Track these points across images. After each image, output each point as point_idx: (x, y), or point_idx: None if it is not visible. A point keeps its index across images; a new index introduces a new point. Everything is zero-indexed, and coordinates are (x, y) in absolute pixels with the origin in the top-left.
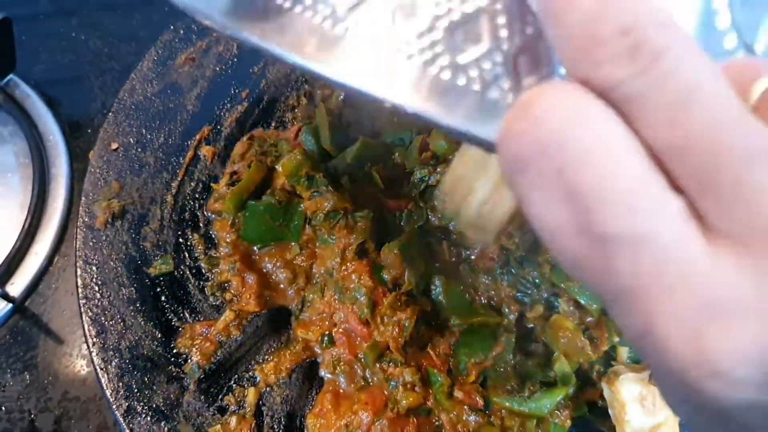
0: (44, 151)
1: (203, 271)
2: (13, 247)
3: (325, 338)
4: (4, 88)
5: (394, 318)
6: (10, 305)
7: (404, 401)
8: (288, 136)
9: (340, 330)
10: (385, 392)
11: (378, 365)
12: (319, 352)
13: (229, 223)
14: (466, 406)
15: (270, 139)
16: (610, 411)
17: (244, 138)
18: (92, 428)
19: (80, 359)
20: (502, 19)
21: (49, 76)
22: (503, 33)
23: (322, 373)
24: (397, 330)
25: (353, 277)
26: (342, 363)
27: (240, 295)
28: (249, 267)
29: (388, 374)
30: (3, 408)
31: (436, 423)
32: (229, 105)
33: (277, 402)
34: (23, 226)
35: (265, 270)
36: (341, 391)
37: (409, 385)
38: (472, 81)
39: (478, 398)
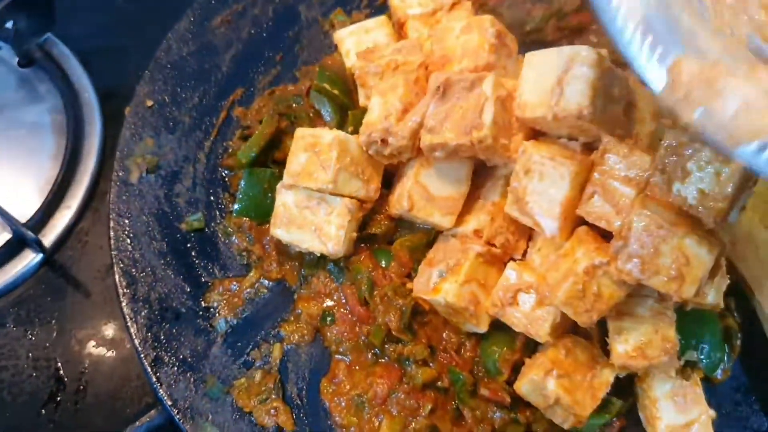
0: (78, 109)
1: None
2: (45, 198)
3: (327, 317)
4: (42, 46)
5: (394, 303)
6: (41, 256)
7: (419, 377)
8: (301, 91)
9: (341, 310)
10: (400, 367)
11: (386, 346)
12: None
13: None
14: (491, 404)
15: (289, 97)
16: (641, 414)
17: (266, 93)
18: (116, 379)
19: (107, 313)
20: None
21: (86, 37)
22: None
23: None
24: (396, 316)
25: (352, 258)
26: (344, 342)
27: (263, 258)
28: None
29: (398, 353)
30: (30, 356)
31: (455, 405)
32: (263, 68)
33: (302, 359)
34: (55, 179)
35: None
36: (353, 366)
37: (421, 362)
38: None
39: (504, 395)
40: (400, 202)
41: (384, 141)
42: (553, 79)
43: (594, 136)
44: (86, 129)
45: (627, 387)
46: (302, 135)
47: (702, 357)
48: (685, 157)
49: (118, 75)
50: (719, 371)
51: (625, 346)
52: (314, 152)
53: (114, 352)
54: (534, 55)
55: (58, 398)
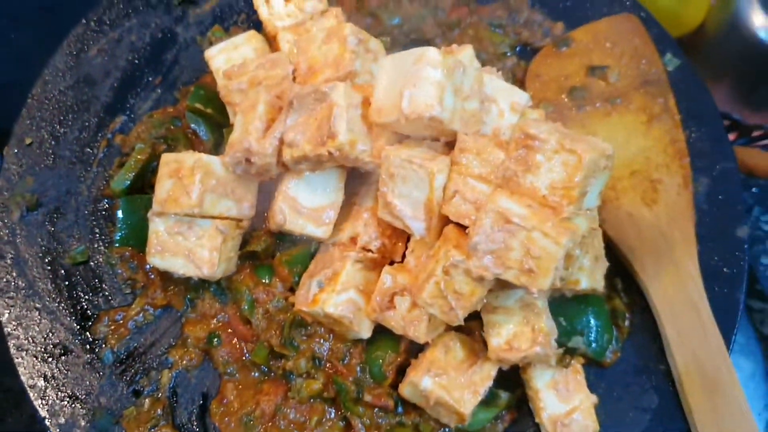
0: None
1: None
2: None
3: (214, 339)
4: None
5: (275, 318)
6: None
7: (303, 390)
8: (180, 112)
9: (228, 331)
10: (287, 382)
11: (272, 362)
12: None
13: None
14: (376, 409)
15: (168, 119)
16: (530, 405)
17: (144, 117)
18: (25, 416)
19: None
20: None
21: None
22: None
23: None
24: (277, 332)
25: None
26: (231, 362)
27: (147, 286)
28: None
29: (283, 368)
30: None
31: (343, 414)
32: (143, 93)
33: (192, 383)
34: None
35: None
36: (240, 385)
37: (305, 375)
38: None
39: (387, 400)
40: (273, 217)
41: (248, 160)
42: (402, 82)
43: (452, 135)
44: None
45: (515, 379)
46: (167, 161)
47: (590, 341)
48: (534, 148)
49: (11, 112)
50: (608, 354)
51: (498, 339)
52: (178, 177)
53: (20, 390)
54: (388, 59)
55: None
